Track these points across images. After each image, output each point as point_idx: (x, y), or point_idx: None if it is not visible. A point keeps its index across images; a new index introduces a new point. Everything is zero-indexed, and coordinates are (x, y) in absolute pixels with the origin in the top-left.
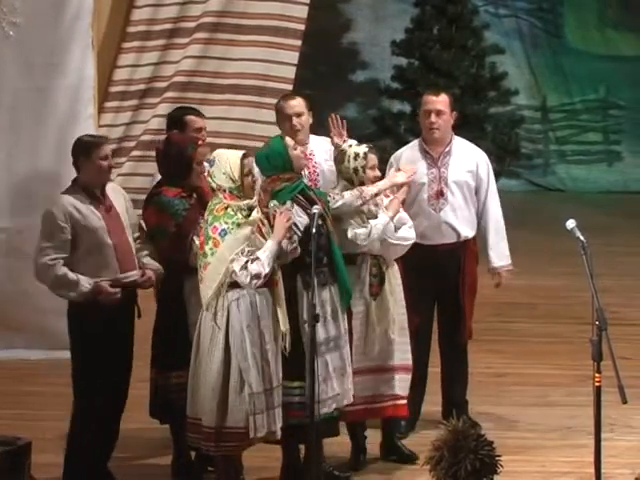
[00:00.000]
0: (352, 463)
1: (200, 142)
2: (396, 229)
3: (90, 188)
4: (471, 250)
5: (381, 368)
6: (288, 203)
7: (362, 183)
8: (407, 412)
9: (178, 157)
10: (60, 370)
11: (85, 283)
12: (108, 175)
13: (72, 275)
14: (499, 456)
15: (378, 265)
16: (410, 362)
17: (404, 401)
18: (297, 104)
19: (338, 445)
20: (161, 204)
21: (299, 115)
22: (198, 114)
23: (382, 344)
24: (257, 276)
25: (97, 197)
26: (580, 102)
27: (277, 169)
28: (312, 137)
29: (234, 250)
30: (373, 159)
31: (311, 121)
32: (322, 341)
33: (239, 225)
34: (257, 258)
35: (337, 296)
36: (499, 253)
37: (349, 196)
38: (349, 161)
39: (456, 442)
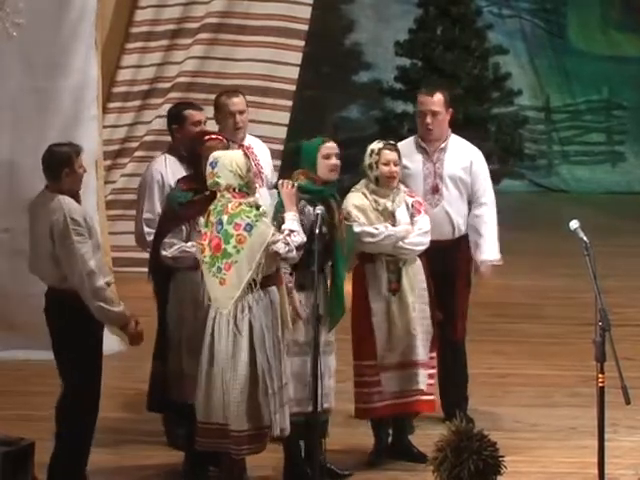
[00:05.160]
0: (372, 458)
1: (209, 137)
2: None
3: (71, 194)
4: (465, 248)
5: (405, 364)
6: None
7: (377, 179)
8: (433, 408)
9: (189, 152)
10: None
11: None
12: (81, 181)
13: (108, 291)
14: (502, 457)
15: (395, 262)
16: (427, 358)
17: (429, 397)
18: (240, 101)
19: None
20: (168, 194)
21: (242, 112)
22: (196, 108)
23: (405, 340)
24: (301, 245)
25: (79, 202)
26: (583, 103)
27: (303, 163)
28: (248, 136)
29: (265, 239)
30: (387, 155)
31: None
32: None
33: (260, 216)
34: (291, 230)
35: (322, 304)
36: (490, 248)
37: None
38: (366, 158)
39: (459, 443)
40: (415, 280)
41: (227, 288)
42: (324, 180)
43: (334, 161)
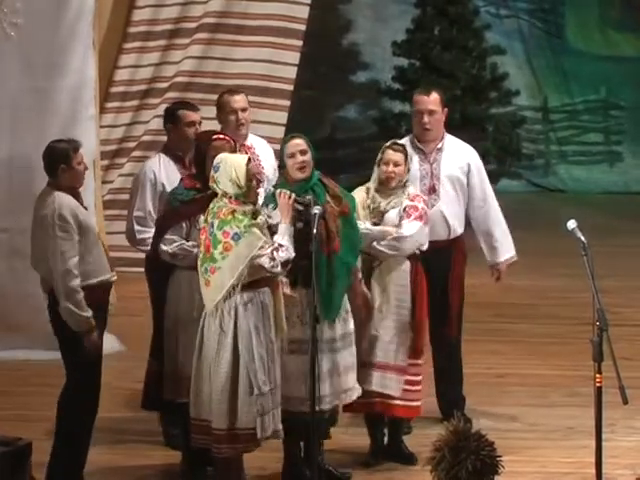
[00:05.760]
0: (368, 458)
1: (216, 136)
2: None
3: (71, 191)
4: (460, 248)
5: (364, 363)
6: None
7: (379, 177)
8: (403, 413)
9: (195, 151)
10: (61, 370)
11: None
12: (84, 177)
13: (81, 295)
14: (500, 456)
15: (369, 262)
16: (403, 364)
17: (399, 402)
18: (242, 99)
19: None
20: (170, 191)
21: (244, 110)
22: (192, 108)
23: (368, 340)
24: (287, 262)
25: (79, 199)
26: (581, 103)
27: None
28: (250, 135)
29: (251, 251)
30: (389, 155)
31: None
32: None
33: (251, 227)
34: (280, 245)
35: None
36: (506, 247)
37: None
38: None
39: (457, 443)
40: (389, 283)
41: (210, 290)
42: (295, 179)
43: (299, 159)
